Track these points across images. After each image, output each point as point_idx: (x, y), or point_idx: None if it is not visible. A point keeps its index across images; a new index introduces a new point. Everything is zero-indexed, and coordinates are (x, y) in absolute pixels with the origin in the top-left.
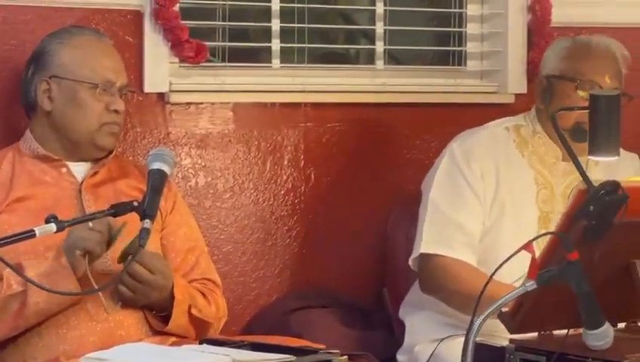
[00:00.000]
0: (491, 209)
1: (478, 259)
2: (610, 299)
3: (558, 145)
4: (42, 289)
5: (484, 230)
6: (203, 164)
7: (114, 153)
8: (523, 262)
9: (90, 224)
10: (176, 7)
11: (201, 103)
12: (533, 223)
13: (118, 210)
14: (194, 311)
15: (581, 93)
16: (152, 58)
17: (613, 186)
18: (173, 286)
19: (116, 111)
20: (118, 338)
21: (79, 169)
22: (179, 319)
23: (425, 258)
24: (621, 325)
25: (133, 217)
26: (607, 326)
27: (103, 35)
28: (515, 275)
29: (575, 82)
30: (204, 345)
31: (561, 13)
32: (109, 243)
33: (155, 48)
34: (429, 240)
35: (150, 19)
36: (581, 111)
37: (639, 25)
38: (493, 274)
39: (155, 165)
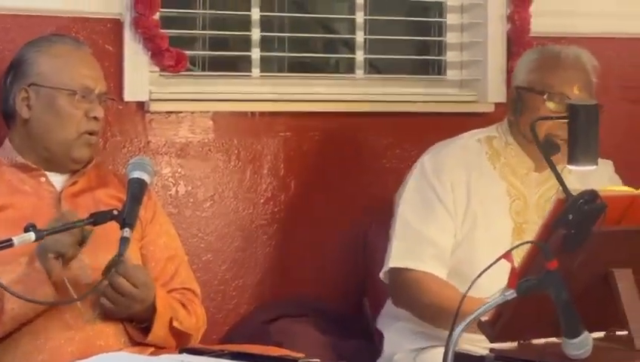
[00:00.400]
0: (463, 221)
1: (453, 271)
2: (589, 308)
3: (531, 156)
4: (19, 297)
5: (457, 242)
6: (183, 172)
7: (93, 162)
8: (501, 272)
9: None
10: (156, 16)
11: (181, 112)
12: (508, 234)
13: (98, 218)
14: (175, 324)
15: (550, 105)
16: (131, 67)
17: (591, 195)
18: (154, 298)
19: (95, 119)
20: (97, 348)
21: (58, 178)
22: (159, 331)
23: (395, 272)
24: (600, 334)
25: (113, 226)
26: (586, 335)
27: (82, 43)
28: (495, 285)
29: (544, 95)
30: (184, 354)
31: (540, 23)
32: (81, 244)
33: (135, 57)
34: (398, 255)
35: (130, 28)
36: (552, 123)
37: (618, 35)
38: (471, 285)
39: (135, 174)
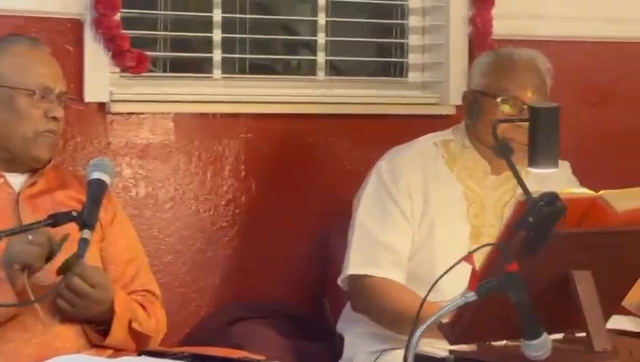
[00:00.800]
0: (420, 226)
1: (412, 276)
2: (549, 310)
3: (487, 160)
4: None
5: (415, 247)
6: (144, 174)
7: (52, 163)
8: (462, 275)
9: (30, 237)
10: (117, 17)
11: (142, 113)
12: (465, 238)
13: (57, 220)
14: (135, 325)
15: (504, 108)
16: (92, 67)
17: (552, 198)
18: (113, 300)
19: (55, 119)
20: (55, 350)
21: (16, 180)
22: (118, 333)
23: (354, 278)
24: (559, 335)
25: (72, 228)
26: (545, 336)
27: (40, 42)
28: (456, 289)
29: (498, 98)
30: (143, 356)
31: (501, 26)
32: (50, 256)
33: (96, 57)
34: (357, 261)
35: (91, 28)
36: (507, 127)
37: (578, 38)
38: (432, 288)
39: (95, 175)
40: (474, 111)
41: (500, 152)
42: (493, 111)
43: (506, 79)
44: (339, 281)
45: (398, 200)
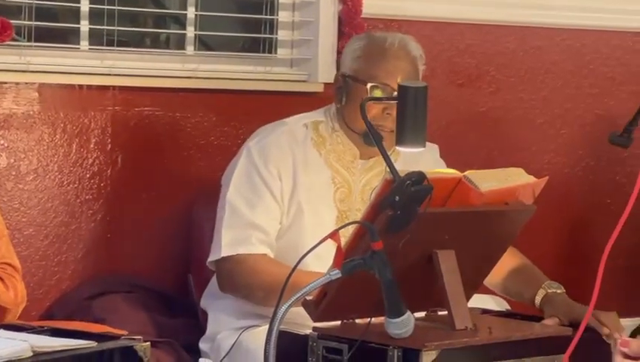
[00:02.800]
0: (289, 208)
1: (280, 258)
2: (413, 289)
3: (356, 144)
4: None
5: (283, 228)
6: (5, 144)
7: None
8: (330, 254)
9: None
10: None
11: (5, 83)
12: (332, 222)
13: None
14: None
15: (374, 95)
16: None
17: (418, 177)
18: None
19: None
20: None
21: None
22: None
23: (227, 260)
24: (422, 313)
25: None
26: (408, 314)
27: None
28: (324, 267)
29: (367, 85)
30: (1, 330)
31: (372, 5)
32: None
33: None
34: (228, 243)
35: None
36: (375, 112)
37: (447, 19)
38: (297, 264)
39: None
40: (344, 94)
41: (369, 135)
42: (362, 97)
43: (377, 66)
44: (207, 263)
45: (268, 182)
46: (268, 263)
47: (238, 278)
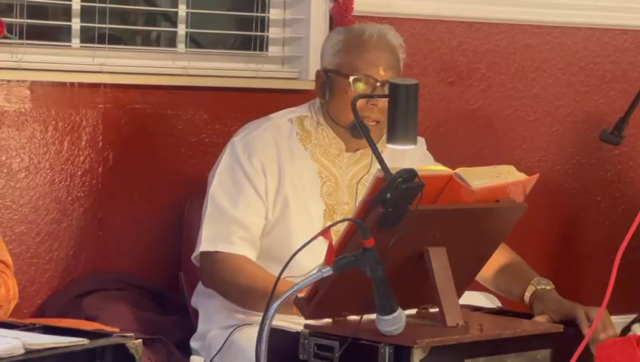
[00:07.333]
0: (275, 203)
1: (267, 253)
2: (404, 286)
3: (341, 137)
4: None
5: (269, 224)
6: None
7: None
8: (321, 251)
9: None
10: None
11: None
12: (319, 216)
13: None
14: None
15: (358, 87)
16: None
17: (410, 175)
18: None
19: None
20: None
21: None
22: None
23: (205, 255)
24: (413, 311)
25: None
26: (399, 312)
27: None
28: (314, 265)
29: (350, 78)
30: None
31: (363, 2)
32: None
33: None
34: (208, 238)
35: None
36: (361, 104)
37: (437, 17)
38: (288, 263)
39: None
40: (327, 89)
41: (359, 130)
42: (346, 90)
43: (358, 58)
44: (192, 258)
45: (252, 178)
46: (247, 264)
47: (216, 276)
